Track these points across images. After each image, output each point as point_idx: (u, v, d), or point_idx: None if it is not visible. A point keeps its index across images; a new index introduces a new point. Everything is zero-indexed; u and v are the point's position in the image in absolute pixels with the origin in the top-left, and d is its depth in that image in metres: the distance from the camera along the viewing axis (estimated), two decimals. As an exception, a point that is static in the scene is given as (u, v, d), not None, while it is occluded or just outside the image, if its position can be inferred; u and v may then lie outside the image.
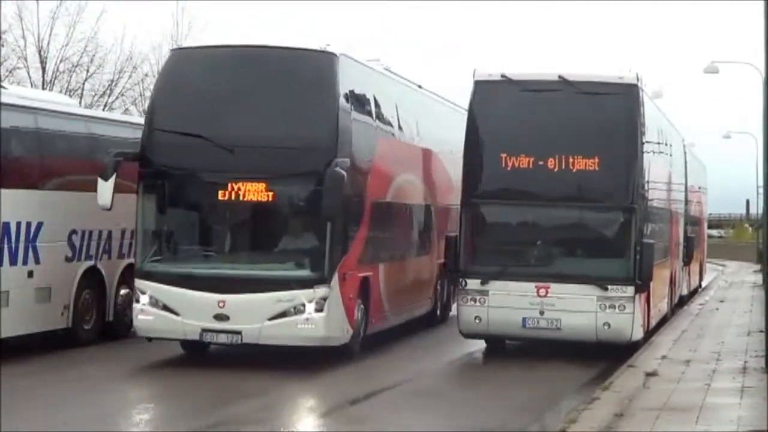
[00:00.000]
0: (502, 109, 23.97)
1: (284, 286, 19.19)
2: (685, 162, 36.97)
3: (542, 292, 22.63)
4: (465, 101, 24.66)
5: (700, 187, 45.41)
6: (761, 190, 28.92)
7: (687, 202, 37.64)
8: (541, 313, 22.65)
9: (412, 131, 26.29)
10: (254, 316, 18.93)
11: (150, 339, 19.86)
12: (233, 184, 19.29)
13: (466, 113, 26.83)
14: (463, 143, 25.30)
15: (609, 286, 22.53)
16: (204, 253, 20.41)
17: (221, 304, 18.78)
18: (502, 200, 23.74)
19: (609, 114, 23.60)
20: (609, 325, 22.52)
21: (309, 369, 20.56)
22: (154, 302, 19.20)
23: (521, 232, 24.12)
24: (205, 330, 18.97)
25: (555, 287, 22.59)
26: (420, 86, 28.30)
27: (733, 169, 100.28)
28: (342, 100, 19.98)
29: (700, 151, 46.09)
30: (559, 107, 23.51)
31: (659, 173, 27.66)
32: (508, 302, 22.81)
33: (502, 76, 23.85)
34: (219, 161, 19.44)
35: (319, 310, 18.89)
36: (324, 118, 19.79)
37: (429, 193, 27.65)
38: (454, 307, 27.53)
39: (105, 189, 19.31)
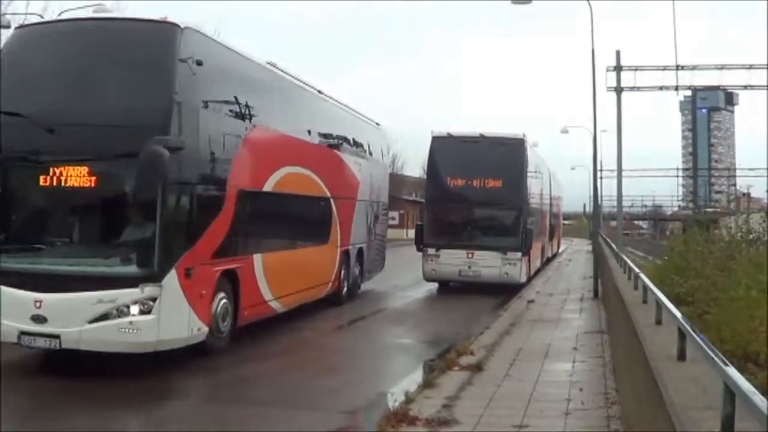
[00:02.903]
0: (448, 152, 23.87)
1: (105, 285, 10.37)
2: (550, 182, 36.50)
3: (470, 255, 22.88)
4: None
5: (559, 196, 44.95)
6: (591, 200, 29.42)
7: (551, 205, 37.22)
8: (469, 267, 22.89)
9: (306, 129, 16.93)
10: (73, 318, 10.33)
11: None
12: (54, 168, 10.73)
13: (378, 127, 24.04)
14: (426, 172, 25.97)
15: (507, 252, 22.80)
16: (23, 247, 11.18)
17: (38, 304, 10.38)
18: (448, 203, 23.73)
19: (508, 156, 23.62)
20: (507, 274, 22.87)
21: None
22: None
23: (458, 222, 23.73)
24: (22, 333, 10.45)
25: (477, 253, 22.83)
26: (320, 91, 18.44)
27: (577, 186, 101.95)
28: (183, 77, 11.06)
29: (559, 175, 46.58)
30: (480, 151, 23.56)
31: (536, 189, 27.62)
32: (450, 261, 23.00)
33: (448, 134, 24.17)
34: (39, 143, 10.87)
35: (145, 312, 10.33)
36: (156, 93, 11.02)
37: (329, 188, 18.08)
38: (364, 285, 21.86)
39: None
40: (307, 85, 17.69)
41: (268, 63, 15.49)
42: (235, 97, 13.13)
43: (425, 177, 26.74)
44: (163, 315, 10.48)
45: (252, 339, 13.37)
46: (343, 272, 19.42)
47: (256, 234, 13.84)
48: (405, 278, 26.40)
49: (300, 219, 16.86)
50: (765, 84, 27.77)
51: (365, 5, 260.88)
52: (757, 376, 7.85)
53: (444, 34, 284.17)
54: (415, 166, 71.02)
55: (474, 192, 23.41)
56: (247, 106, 13.47)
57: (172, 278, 10.66)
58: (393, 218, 69.51)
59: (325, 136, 18.45)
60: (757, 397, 3.17)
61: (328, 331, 15.89)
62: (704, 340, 4.56)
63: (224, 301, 12.26)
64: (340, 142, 19.60)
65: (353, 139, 20.93)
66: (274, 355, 12.83)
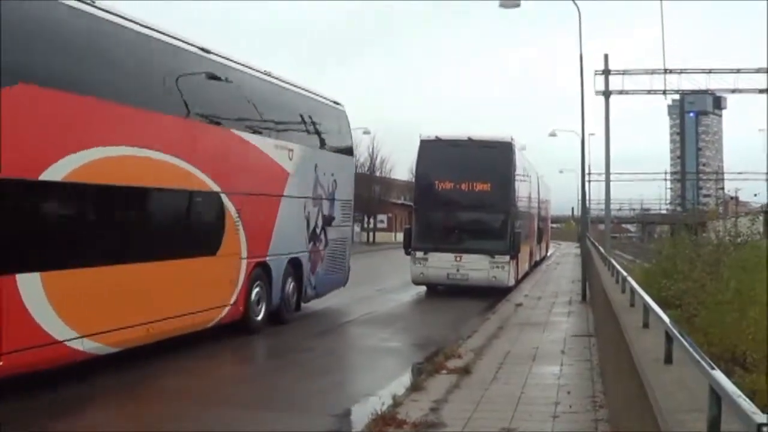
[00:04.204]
0: (436, 156, 23.84)
1: None
2: (539, 185, 36.71)
3: (458, 258, 22.84)
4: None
5: (547, 199, 45.21)
6: (579, 203, 29.61)
7: (539, 208, 37.32)
8: (458, 270, 22.87)
9: (166, 99, 11.95)
10: None
11: None
12: None
13: (338, 107, 19.19)
14: (414, 175, 25.96)
15: (495, 255, 22.76)
16: None
17: None
18: (436, 206, 23.68)
19: (496, 159, 23.65)
20: (495, 277, 22.85)
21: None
22: None
23: (447, 225, 23.53)
24: None
25: (465, 256, 22.80)
26: (206, 50, 13.31)
27: (566, 189, 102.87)
28: None
29: (547, 179, 46.80)
30: (468, 155, 23.57)
31: (524, 192, 27.67)
32: (439, 264, 22.97)
33: (436, 137, 24.11)
34: None
35: None
36: None
37: (219, 180, 13.11)
38: (320, 303, 18.26)
39: None
40: (171, 37, 12.32)
41: None
42: None
43: (414, 180, 26.68)
44: None
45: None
46: (256, 291, 14.60)
47: (25, 243, 9.25)
48: (393, 281, 26.33)
49: (146, 221, 11.70)
50: (752, 88, 27.99)
51: (351, 8, 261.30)
52: (745, 380, 7.89)
53: (432, 37, 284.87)
54: (403, 170, 71.18)
55: (462, 195, 23.45)
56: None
57: None
58: (381, 221, 69.82)
59: (212, 111, 13.48)
60: (743, 400, 3.18)
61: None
62: (691, 343, 4.57)
63: None
64: (247, 120, 14.59)
65: (279, 118, 15.97)
66: None
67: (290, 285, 16.29)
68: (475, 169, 23.51)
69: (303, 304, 17.31)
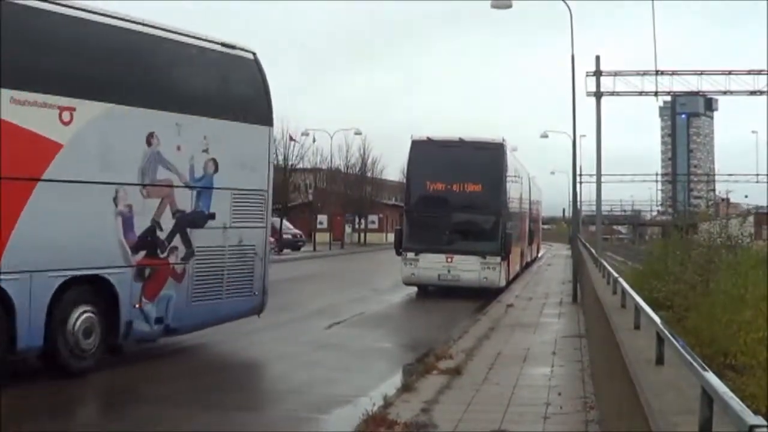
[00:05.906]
0: (427, 157, 23.81)
1: None
2: (530, 186, 36.51)
3: (449, 259, 22.79)
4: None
5: (538, 201, 45.14)
6: (570, 204, 29.59)
7: (531, 209, 37.15)
8: (449, 271, 22.80)
9: None
10: None
11: None
12: None
13: (239, 54, 12.93)
14: (405, 176, 25.97)
15: (486, 256, 22.71)
16: None
17: None
18: (428, 208, 23.70)
19: (487, 160, 23.64)
20: (486, 278, 22.81)
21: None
22: None
23: (438, 226, 23.37)
24: None
25: (456, 257, 22.74)
26: None
27: (557, 191, 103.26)
28: None
29: (539, 180, 46.89)
30: (460, 156, 23.50)
31: (515, 193, 27.61)
32: (430, 265, 22.88)
33: (428, 138, 24.13)
34: None
35: None
36: None
37: None
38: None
39: None
40: None
41: None
42: None
43: (405, 181, 26.66)
44: None
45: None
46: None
47: None
48: (384, 282, 26.32)
49: None
50: (744, 89, 28.10)
51: (342, 11, 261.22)
52: (735, 382, 7.91)
53: (422, 39, 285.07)
54: (395, 170, 71.10)
55: (453, 196, 23.43)
56: None
57: None
58: (373, 222, 69.76)
59: None
60: (735, 402, 3.19)
61: None
62: (683, 344, 4.57)
63: None
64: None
65: (40, 57, 10.09)
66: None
67: (78, 318, 10.35)
68: (466, 170, 23.50)
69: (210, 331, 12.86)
